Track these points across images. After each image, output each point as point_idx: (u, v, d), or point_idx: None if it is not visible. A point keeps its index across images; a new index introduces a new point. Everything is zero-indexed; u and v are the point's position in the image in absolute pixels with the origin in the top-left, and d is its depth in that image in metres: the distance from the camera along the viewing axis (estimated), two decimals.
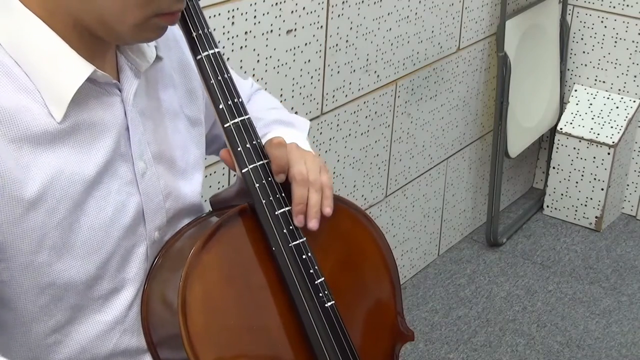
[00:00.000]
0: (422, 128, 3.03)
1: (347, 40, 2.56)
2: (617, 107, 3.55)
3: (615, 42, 3.51)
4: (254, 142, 1.30)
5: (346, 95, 2.63)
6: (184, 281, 1.22)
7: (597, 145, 3.49)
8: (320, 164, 1.34)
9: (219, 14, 2.11)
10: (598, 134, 3.50)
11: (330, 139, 2.62)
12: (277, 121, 1.50)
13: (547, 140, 3.74)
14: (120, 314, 1.29)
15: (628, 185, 3.68)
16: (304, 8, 2.36)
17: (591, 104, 3.58)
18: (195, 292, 1.22)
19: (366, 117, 2.74)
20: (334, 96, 2.58)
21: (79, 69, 1.19)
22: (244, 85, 1.57)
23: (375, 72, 2.71)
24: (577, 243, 3.49)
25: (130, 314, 1.30)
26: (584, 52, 3.59)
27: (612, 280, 3.26)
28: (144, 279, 1.31)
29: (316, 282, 1.30)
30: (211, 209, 1.39)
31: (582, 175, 3.55)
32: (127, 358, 1.32)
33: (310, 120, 2.40)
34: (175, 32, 1.39)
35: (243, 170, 1.29)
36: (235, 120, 1.29)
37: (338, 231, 1.38)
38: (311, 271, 1.30)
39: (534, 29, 3.37)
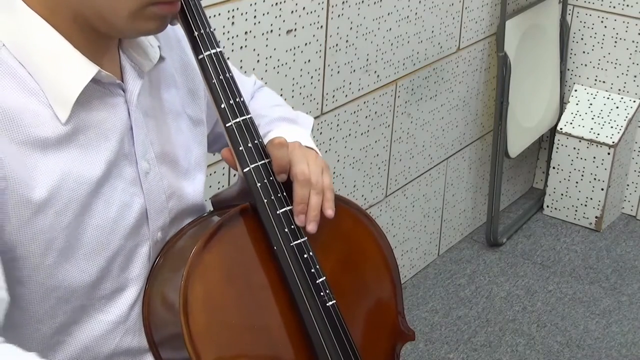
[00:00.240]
0: (422, 128, 3.03)
1: (347, 40, 2.56)
2: (617, 107, 3.55)
3: (615, 42, 3.51)
4: (255, 142, 1.30)
5: (346, 95, 2.63)
6: (186, 280, 1.22)
7: (597, 145, 3.49)
8: (322, 165, 1.34)
9: (219, 14, 2.11)
10: (598, 134, 3.50)
11: (330, 139, 2.62)
12: (281, 118, 1.50)
13: (547, 140, 3.74)
14: (122, 313, 1.29)
15: (628, 185, 3.68)
16: (304, 8, 2.36)
17: (591, 104, 3.58)
18: (197, 292, 1.22)
19: (366, 117, 2.74)
20: (334, 96, 2.58)
21: (84, 69, 1.19)
22: (247, 83, 1.57)
23: (375, 72, 2.71)
24: (577, 243, 3.49)
25: (132, 313, 1.30)
26: (584, 52, 3.59)
27: (612, 280, 3.26)
28: (146, 278, 1.31)
29: (317, 282, 1.30)
30: (212, 209, 1.39)
31: (582, 175, 3.55)
32: (129, 357, 1.32)
33: None
34: (177, 32, 1.39)
35: (244, 170, 1.29)
36: (237, 120, 1.29)
37: (339, 231, 1.38)
38: (312, 270, 1.30)
39: (534, 29, 3.37)
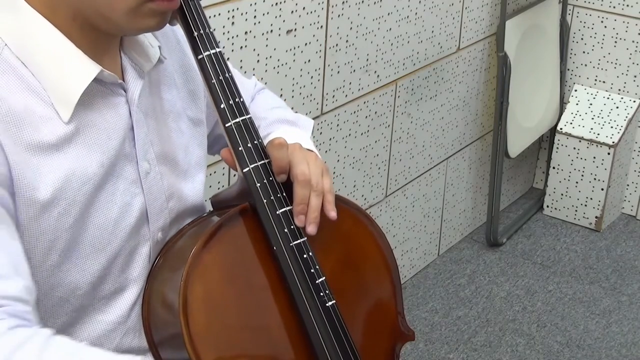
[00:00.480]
0: (422, 128, 3.03)
1: (347, 40, 2.56)
2: (617, 107, 3.55)
3: (615, 42, 3.51)
4: (255, 142, 1.30)
5: (346, 95, 2.63)
6: (185, 281, 1.22)
7: (597, 145, 3.49)
8: (322, 167, 1.34)
9: (219, 14, 2.11)
10: (598, 134, 3.50)
11: (330, 139, 2.62)
12: (281, 120, 1.50)
13: (547, 140, 3.74)
14: (123, 314, 1.29)
15: (628, 185, 3.68)
16: (304, 8, 2.36)
17: (591, 104, 3.58)
18: (196, 292, 1.22)
19: (366, 117, 2.74)
20: (334, 96, 2.58)
21: (86, 69, 1.19)
22: (248, 85, 1.57)
23: (375, 72, 2.71)
24: (577, 243, 3.49)
25: (132, 314, 1.30)
26: (584, 52, 3.59)
27: (612, 280, 3.26)
28: (146, 279, 1.31)
29: (317, 282, 1.30)
30: (212, 209, 1.39)
31: (582, 175, 3.55)
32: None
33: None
34: (176, 33, 1.39)
35: (244, 170, 1.29)
36: (237, 120, 1.29)
37: (339, 231, 1.38)
38: (312, 270, 1.30)
39: (534, 29, 3.37)
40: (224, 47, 2.14)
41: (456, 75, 3.12)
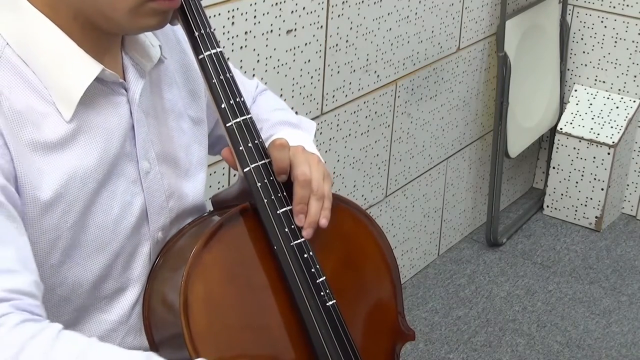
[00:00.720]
0: (422, 128, 3.03)
1: (347, 40, 2.56)
2: (617, 107, 3.55)
3: (615, 42, 3.52)
4: (255, 142, 1.30)
5: (346, 95, 2.63)
6: (186, 280, 1.22)
7: (597, 145, 3.49)
8: (323, 171, 1.34)
9: (219, 14, 2.11)
10: (598, 134, 3.50)
11: (330, 139, 2.62)
12: (284, 122, 1.50)
13: (547, 140, 3.74)
14: (124, 313, 1.29)
15: (628, 185, 3.68)
16: (304, 8, 2.36)
17: (591, 104, 3.58)
18: (197, 291, 1.22)
19: (366, 117, 2.74)
20: (334, 96, 2.58)
21: (88, 68, 1.19)
22: (250, 86, 1.57)
23: (375, 72, 2.71)
24: (577, 243, 3.49)
25: (133, 313, 1.31)
26: (584, 52, 3.59)
27: (612, 280, 3.26)
28: (147, 279, 1.31)
29: (317, 281, 1.30)
30: (212, 209, 1.39)
31: (582, 175, 3.55)
32: None
33: (310, 120, 2.40)
34: (177, 33, 1.39)
35: (244, 170, 1.30)
36: (237, 120, 1.30)
37: (339, 231, 1.38)
38: (312, 270, 1.30)
39: (534, 29, 3.37)
40: (224, 47, 2.15)
41: (456, 75, 3.12)
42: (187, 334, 1.20)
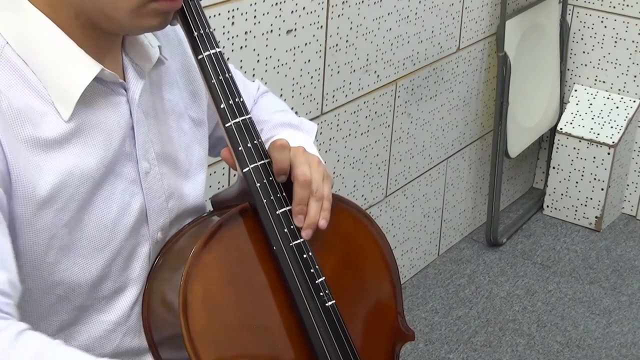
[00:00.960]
0: (422, 128, 3.03)
1: (347, 40, 2.56)
2: (617, 107, 3.55)
3: (615, 42, 3.52)
4: (255, 142, 1.30)
5: (346, 95, 2.63)
6: (185, 280, 1.22)
7: (597, 145, 3.49)
8: (324, 172, 1.34)
9: (219, 14, 2.11)
10: (598, 134, 3.50)
11: (330, 139, 2.62)
12: (284, 124, 1.50)
13: (547, 140, 3.74)
14: (123, 314, 1.29)
15: (628, 185, 3.68)
16: (304, 8, 2.36)
17: (591, 104, 3.58)
18: (196, 292, 1.22)
19: (366, 117, 2.74)
20: (334, 96, 2.58)
21: (87, 67, 1.19)
22: (251, 88, 1.57)
23: (375, 72, 2.71)
24: (577, 243, 3.49)
25: (132, 314, 1.31)
26: (584, 52, 3.59)
27: (612, 280, 3.26)
28: (146, 279, 1.31)
29: (317, 282, 1.30)
30: (212, 209, 1.39)
31: (582, 175, 3.55)
32: (129, 358, 1.32)
33: (310, 120, 2.40)
34: (178, 33, 1.39)
35: (244, 170, 1.30)
36: (237, 120, 1.30)
37: (339, 231, 1.38)
38: (312, 270, 1.30)
39: (534, 29, 3.37)
40: (224, 47, 2.15)
41: (456, 75, 3.12)
42: (186, 334, 1.20)
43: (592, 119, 3.54)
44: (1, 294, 1.09)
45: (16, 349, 1.04)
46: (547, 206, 3.66)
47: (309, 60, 2.44)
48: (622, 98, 3.55)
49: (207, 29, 1.29)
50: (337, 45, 2.53)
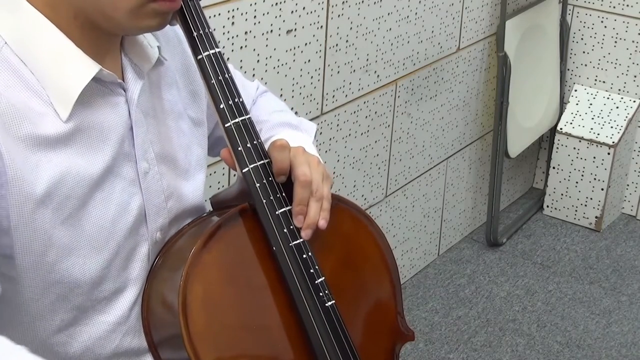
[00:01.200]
0: (422, 128, 3.03)
1: (347, 40, 2.56)
2: (617, 107, 3.55)
3: (615, 42, 3.51)
4: (254, 142, 1.30)
5: (346, 95, 2.63)
6: (185, 280, 1.22)
7: (597, 145, 3.49)
8: (323, 172, 1.34)
9: (219, 14, 2.11)
10: (598, 134, 3.50)
11: (330, 139, 2.62)
12: (284, 124, 1.50)
13: (547, 140, 3.74)
14: (122, 314, 1.29)
15: (628, 185, 3.68)
16: (304, 8, 2.36)
17: (591, 104, 3.58)
18: (196, 292, 1.22)
19: (366, 117, 2.74)
20: (334, 96, 2.58)
21: (85, 67, 1.19)
22: (250, 88, 1.57)
23: (375, 72, 2.71)
24: (577, 243, 3.49)
25: (132, 314, 1.31)
26: (584, 52, 3.59)
27: (612, 280, 3.26)
28: (145, 279, 1.31)
29: (316, 282, 1.30)
30: (212, 209, 1.39)
31: (582, 175, 3.55)
32: (128, 358, 1.32)
33: (310, 120, 2.40)
34: (178, 33, 1.39)
35: (243, 170, 1.30)
36: (236, 120, 1.30)
37: (339, 231, 1.38)
38: (311, 271, 1.30)
39: (534, 29, 3.37)
40: (224, 47, 2.15)
41: (456, 75, 3.12)
42: (185, 334, 1.20)
43: (592, 119, 3.54)
44: None
45: None
46: (547, 206, 3.66)
47: (309, 60, 2.44)
48: (622, 98, 3.55)
49: (206, 29, 1.29)
50: (337, 45, 2.53)
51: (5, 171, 1.13)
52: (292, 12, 2.33)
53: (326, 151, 2.61)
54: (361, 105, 2.70)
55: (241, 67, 2.21)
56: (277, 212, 1.29)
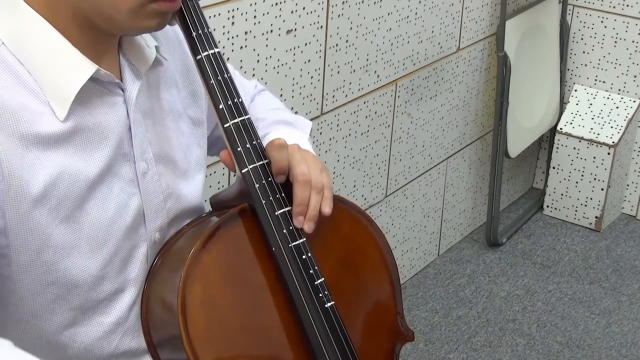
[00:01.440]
0: (422, 128, 3.03)
1: (347, 40, 2.56)
2: (617, 107, 3.55)
3: (615, 42, 3.51)
4: (254, 142, 1.30)
5: (346, 95, 2.63)
6: (184, 281, 1.22)
7: (597, 145, 3.49)
8: (320, 165, 1.34)
9: (219, 14, 2.11)
10: (598, 134, 3.50)
11: (330, 139, 2.62)
12: (279, 121, 1.50)
13: (547, 140, 3.74)
14: (122, 315, 1.29)
15: (628, 185, 3.68)
16: (304, 8, 2.36)
17: (591, 104, 3.58)
18: (195, 292, 1.22)
19: (366, 117, 2.74)
20: (334, 96, 2.58)
21: (82, 67, 1.19)
22: (248, 86, 1.57)
23: (375, 72, 2.71)
24: (577, 243, 3.49)
25: (131, 315, 1.30)
26: (584, 52, 3.59)
27: (612, 280, 3.26)
28: (144, 280, 1.31)
29: (316, 283, 1.30)
30: (211, 209, 1.39)
31: (582, 175, 3.55)
32: (127, 359, 1.32)
33: (310, 120, 2.40)
34: (178, 33, 1.39)
35: (243, 171, 1.29)
36: (235, 121, 1.29)
37: (338, 232, 1.38)
38: (311, 271, 1.30)
39: (534, 29, 3.37)
40: (223, 47, 2.14)
41: (456, 75, 3.12)
42: (184, 335, 1.20)
43: (592, 119, 3.54)
44: None
45: None
46: (547, 206, 3.66)
47: (309, 60, 2.44)
48: (622, 98, 3.55)
49: (205, 29, 1.29)
50: (337, 45, 2.53)
51: (2, 170, 1.13)
52: (292, 12, 2.32)
53: (326, 151, 2.61)
54: (361, 105, 2.70)
55: (241, 67, 2.21)
56: (276, 213, 1.29)
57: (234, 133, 1.29)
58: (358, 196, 2.80)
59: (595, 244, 3.48)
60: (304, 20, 2.37)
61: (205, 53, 1.29)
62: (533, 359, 2.85)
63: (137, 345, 1.31)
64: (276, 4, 2.26)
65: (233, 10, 2.15)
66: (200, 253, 1.24)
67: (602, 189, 3.52)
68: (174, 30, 1.38)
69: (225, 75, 1.30)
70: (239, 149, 1.29)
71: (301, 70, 2.42)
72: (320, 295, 1.30)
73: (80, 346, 1.26)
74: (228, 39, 2.15)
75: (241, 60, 2.21)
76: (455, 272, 3.26)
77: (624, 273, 3.30)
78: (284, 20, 2.30)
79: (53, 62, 1.18)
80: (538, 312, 3.06)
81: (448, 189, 3.28)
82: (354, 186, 2.78)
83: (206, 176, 2.16)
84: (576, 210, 3.59)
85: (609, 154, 3.47)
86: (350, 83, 2.62)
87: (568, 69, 3.64)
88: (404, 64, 2.83)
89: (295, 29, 2.36)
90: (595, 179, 3.52)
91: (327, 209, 1.31)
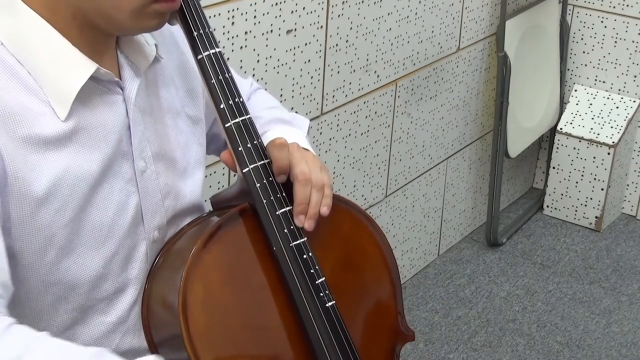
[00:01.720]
0: (422, 128, 3.03)
1: (347, 40, 2.56)
2: (617, 107, 3.55)
3: (615, 42, 3.51)
4: (254, 142, 1.30)
5: (346, 95, 2.63)
6: (185, 281, 1.22)
7: (597, 145, 3.49)
8: (319, 163, 1.34)
9: (219, 14, 2.11)
10: (598, 134, 3.50)
11: (330, 139, 2.62)
12: (277, 120, 1.50)
13: (547, 140, 3.74)
14: (122, 314, 1.29)
15: (628, 185, 3.68)
16: (304, 8, 2.36)
17: (591, 104, 3.58)
18: (196, 292, 1.22)
19: (366, 117, 2.74)
20: (334, 96, 2.58)
21: (82, 67, 1.19)
22: (244, 85, 1.57)
23: (375, 72, 2.71)
24: (577, 243, 3.49)
25: (132, 314, 1.30)
26: (584, 52, 3.59)
27: (612, 280, 3.26)
28: (145, 279, 1.31)
29: (317, 282, 1.30)
30: (212, 209, 1.39)
31: (582, 175, 3.55)
32: (129, 358, 1.32)
33: (310, 120, 2.40)
34: (174, 33, 1.39)
35: (244, 170, 1.29)
36: (236, 120, 1.29)
37: (339, 231, 1.38)
38: (312, 271, 1.29)
39: (534, 29, 3.37)
40: (223, 47, 2.14)
41: (456, 75, 3.12)
42: (185, 335, 1.20)
43: (592, 119, 3.54)
44: None
45: (4, 342, 1.05)
46: (547, 206, 3.66)
47: (309, 60, 2.44)
48: (622, 98, 3.55)
49: (206, 29, 1.29)
50: (337, 45, 2.53)
51: (6, 172, 1.13)
52: (292, 12, 2.32)
53: (326, 151, 2.61)
54: (361, 105, 2.70)
55: (241, 67, 2.21)
56: (277, 213, 1.29)
57: (234, 133, 1.29)
58: (358, 196, 2.80)
59: (595, 244, 3.48)
60: (304, 20, 2.37)
61: (207, 53, 1.29)
62: (533, 359, 2.85)
63: (138, 344, 1.31)
64: (276, 4, 2.27)
65: (233, 10, 2.15)
66: (201, 253, 1.24)
67: (602, 189, 3.52)
68: (169, 29, 1.38)
69: (227, 75, 1.30)
70: (239, 149, 1.29)
71: (301, 70, 2.42)
72: (321, 294, 1.30)
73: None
74: (228, 39, 2.16)
75: (241, 60, 2.21)
76: (455, 272, 3.26)
77: (624, 273, 3.30)
78: (284, 20, 2.31)
79: (53, 62, 1.18)
80: (538, 312, 3.06)
81: (448, 189, 3.28)
82: (354, 186, 2.78)
83: (206, 176, 2.16)
84: (576, 210, 3.59)
85: (609, 154, 3.47)
86: (350, 83, 2.62)
87: (568, 69, 3.64)
88: (404, 64, 2.83)
89: (295, 29, 2.36)
90: (595, 179, 3.52)
91: (325, 208, 1.31)
